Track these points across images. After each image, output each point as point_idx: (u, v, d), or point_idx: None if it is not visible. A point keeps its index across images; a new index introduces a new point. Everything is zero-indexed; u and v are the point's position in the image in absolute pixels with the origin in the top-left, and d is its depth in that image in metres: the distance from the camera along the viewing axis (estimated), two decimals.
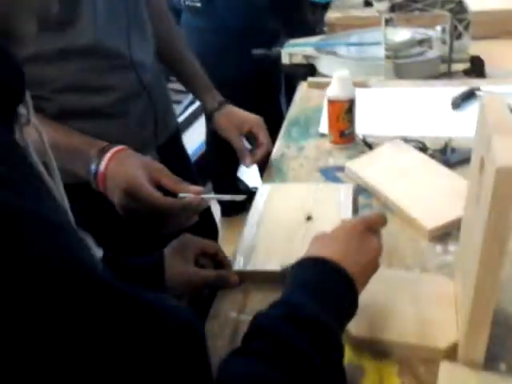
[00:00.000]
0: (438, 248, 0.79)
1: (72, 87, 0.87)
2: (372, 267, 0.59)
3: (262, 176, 1.06)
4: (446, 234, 0.81)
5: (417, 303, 0.67)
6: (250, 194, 0.96)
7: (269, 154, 1.09)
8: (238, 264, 0.78)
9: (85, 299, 0.31)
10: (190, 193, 0.73)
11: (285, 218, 0.87)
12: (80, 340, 0.31)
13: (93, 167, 0.74)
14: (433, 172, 0.94)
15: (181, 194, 0.73)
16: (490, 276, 0.51)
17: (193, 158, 2.67)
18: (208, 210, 1.25)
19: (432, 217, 0.82)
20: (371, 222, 0.62)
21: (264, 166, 1.10)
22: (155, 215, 0.71)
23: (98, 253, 0.58)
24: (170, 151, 1.10)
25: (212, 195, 0.75)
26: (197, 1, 2.07)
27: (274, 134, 1.23)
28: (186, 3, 2.09)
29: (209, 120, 1.13)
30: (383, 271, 0.73)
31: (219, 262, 0.78)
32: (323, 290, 0.53)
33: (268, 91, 2.28)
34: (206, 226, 1.15)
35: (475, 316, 0.55)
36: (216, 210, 2.41)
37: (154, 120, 1.03)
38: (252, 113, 1.10)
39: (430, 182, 0.91)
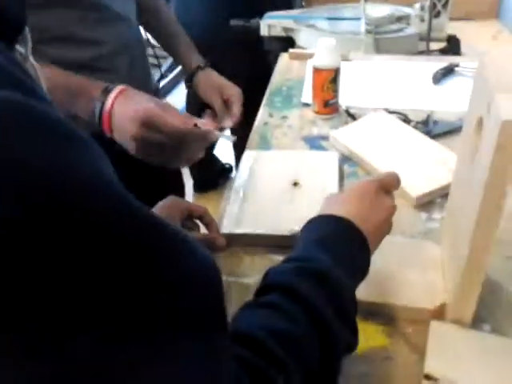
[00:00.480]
0: (423, 215, 0.80)
1: (59, 38, 0.86)
2: (385, 226, 0.59)
3: (236, 154, 1.05)
4: (431, 202, 0.82)
5: (404, 267, 0.68)
6: (223, 170, 0.95)
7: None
8: (226, 228, 0.77)
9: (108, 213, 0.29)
10: (208, 127, 0.74)
11: (271, 184, 0.86)
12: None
13: (97, 108, 0.71)
14: (416, 142, 0.95)
15: (198, 123, 0.73)
16: (486, 234, 0.51)
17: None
18: (178, 175, 1.25)
19: (417, 185, 0.83)
20: (384, 182, 0.61)
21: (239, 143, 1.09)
22: (169, 147, 0.69)
23: None
24: None
25: (219, 133, 0.77)
26: None
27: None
28: None
29: (189, 84, 1.11)
30: None
31: (206, 224, 0.77)
32: (336, 245, 0.52)
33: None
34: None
35: (467, 277, 0.56)
36: (188, 187, 2.39)
37: (135, 79, 1.01)
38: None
39: (414, 152, 0.92)
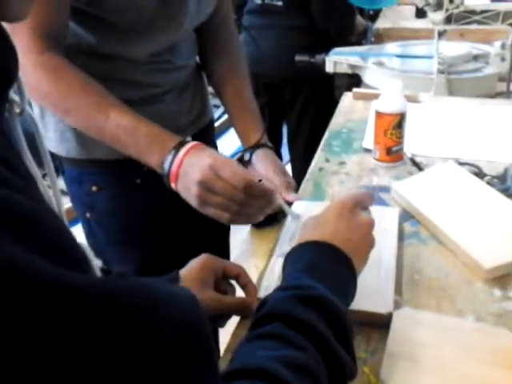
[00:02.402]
0: (497, 292, 0.68)
1: (115, 80, 0.87)
2: (366, 242, 0.59)
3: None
4: (507, 276, 0.70)
5: (470, 360, 0.56)
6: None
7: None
8: (265, 291, 0.69)
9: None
10: (272, 187, 0.77)
11: None
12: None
13: (168, 161, 0.73)
14: (491, 201, 0.83)
15: (263, 181, 0.75)
16: None
17: None
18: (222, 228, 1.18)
19: (490, 254, 0.71)
20: (359, 199, 0.62)
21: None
22: (231, 199, 0.70)
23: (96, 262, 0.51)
24: (202, 141, 1.06)
25: (280, 200, 0.80)
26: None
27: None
28: (266, 1, 2.02)
29: (244, 160, 1.03)
30: (431, 316, 0.64)
31: (243, 286, 0.69)
32: (323, 272, 0.53)
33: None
34: (216, 243, 1.11)
35: None
36: None
37: (189, 109, 1.03)
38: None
39: (487, 213, 0.80)
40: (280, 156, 2.34)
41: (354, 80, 1.64)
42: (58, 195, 0.45)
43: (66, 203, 1.39)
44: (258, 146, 0.95)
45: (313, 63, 1.74)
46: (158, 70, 0.92)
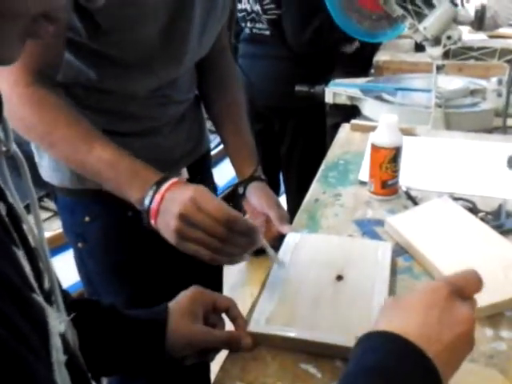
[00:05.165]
0: (488, 332, 0.68)
1: (113, 113, 0.88)
2: (462, 345, 0.46)
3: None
4: (498, 315, 0.70)
5: None
6: (279, 234, 0.89)
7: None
8: (254, 326, 0.68)
9: None
10: (255, 224, 0.71)
11: (312, 275, 0.77)
12: None
13: (148, 197, 0.70)
14: (484, 238, 0.83)
15: (246, 216, 0.69)
16: None
17: (223, 193, 2.62)
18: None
19: (482, 292, 0.71)
20: (460, 284, 0.48)
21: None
22: (212, 235, 0.65)
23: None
24: (198, 172, 1.08)
25: (264, 240, 0.76)
26: (264, 28, 2.03)
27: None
28: (253, 31, 2.06)
29: (238, 194, 1.03)
30: None
31: (232, 319, 0.68)
32: (396, 377, 0.42)
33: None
34: (209, 275, 1.09)
35: None
36: None
37: (186, 140, 1.02)
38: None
39: (480, 250, 0.80)
40: (278, 184, 2.35)
41: (350, 111, 1.65)
42: (42, 234, 0.45)
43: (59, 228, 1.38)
44: (251, 179, 0.96)
45: (313, 93, 1.76)
46: (156, 103, 0.93)
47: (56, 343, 0.38)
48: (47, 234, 1.95)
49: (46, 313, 0.38)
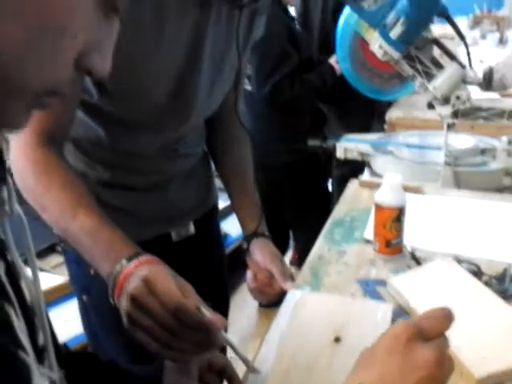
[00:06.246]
0: None
1: (120, 167, 0.91)
2: None
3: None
4: None
5: None
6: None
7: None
8: None
9: None
10: (213, 318, 0.62)
11: (310, 336, 0.77)
12: None
13: (116, 270, 0.67)
14: (487, 304, 0.82)
15: (202, 309, 0.62)
16: None
17: (235, 244, 2.63)
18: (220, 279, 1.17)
19: (482, 361, 0.70)
20: (424, 325, 0.47)
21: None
22: (162, 324, 0.61)
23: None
24: (204, 227, 1.09)
25: (229, 340, 0.67)
26: (247, 83, 2.10)
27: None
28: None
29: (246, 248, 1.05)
30: None
31: (228, 379, 0.68)
32: None
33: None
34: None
35: None
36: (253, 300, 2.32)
37: (194, 194, 1.04)
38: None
39: (482, 316, 0.79)
40: (287, 237, 2.36)
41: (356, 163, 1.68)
42: (39, 290, 0.46)
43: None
44: (255, 235, 0.97)
45: (324, 148, 1.79)
46: (164, 158, 0.95)
47: None
48: (60, 280, 1.97)
49: (31, 371, 0.39)
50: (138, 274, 0.63)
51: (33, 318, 0.47)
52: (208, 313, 0.62)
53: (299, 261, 2.22)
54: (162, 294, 0.60)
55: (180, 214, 1.01)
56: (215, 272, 1.16)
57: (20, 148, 0.75)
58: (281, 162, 2.11)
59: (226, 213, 2.32)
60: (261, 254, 0.94)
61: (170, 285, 0.62)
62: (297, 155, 1.97)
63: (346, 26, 1.51)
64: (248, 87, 2.08)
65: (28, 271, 0.48)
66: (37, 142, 0.75)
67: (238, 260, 1.10)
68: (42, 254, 2.06)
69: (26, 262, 0.48)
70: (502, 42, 3.45)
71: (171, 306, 0.60)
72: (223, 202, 1.40)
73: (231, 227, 2.53)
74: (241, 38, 0.88)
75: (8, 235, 0.44)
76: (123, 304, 0.63)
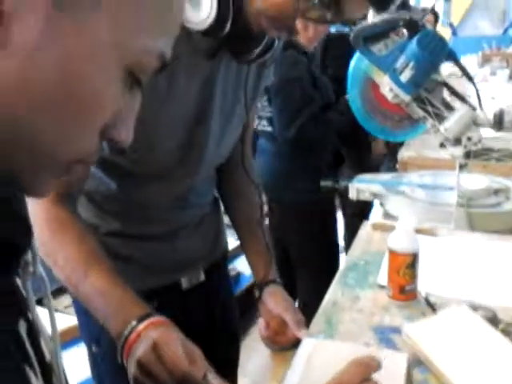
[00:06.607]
0: None
1: (126, 216, 0.92)
2: None
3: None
4: None
5: None
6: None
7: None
8: None
9: None
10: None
11: None
12: None
13: (126, 331, 0.68)
14: (503, 354, 0.81)
15: (209, 377, 0.63)
16: None
17: (249, 282, 2.62)
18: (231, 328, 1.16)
19: None
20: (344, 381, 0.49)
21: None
22: None
23: None
24: (215, 273, 1.10)
25: None
26: (267, 125, 2.14)
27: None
28: (259, 128, 2.16)
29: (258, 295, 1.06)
30: None
31: None
32: None
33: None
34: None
35: None
36: None
37: (203, 242, 1.05)
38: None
39: (498, 366, 0.78)
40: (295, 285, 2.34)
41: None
42: (57, 349, 0.47)
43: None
44: (266, 282, 0.98)
45: (337, 189, 1.80)
46: (174, 207, 0.97)
47: None
48: (74, 321, 1.97)
49: None
50: (147, 336, 0.64)
51: (51, 375, 0.48)
52: (215, 381, 0.63)
53: (300, 301, 2.20)
54: (169, 361, 0.62)
55: (190, 262, 1.02)
56: (225, 317, 1.16)
57: (37, 204, 0.77)
58: (299, 201, 2.12)
59: (240, 251, 2.33)
60: (273, 301, 0.95)
61: (178, 351, 0.63)
62: (313, 195, 1.98)
63: (357, 69, 1.54)
64: (268, 128, 2.11)
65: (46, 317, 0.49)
66: (53, 199, 0.77)
67: (252, 299, 1.11)
68: (55, 293, 2.07)
69: (39, 302, 0.49)
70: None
71: (178, 375, 0.61)
72: (236, 241, 1.43)
73: (245, 266, 2.53)
74: (249, 91, 0.90)
75: (30, 294, 0.45)
76: (131, 368, 0.64)
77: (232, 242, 1.41)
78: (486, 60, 3.85)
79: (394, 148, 2.28)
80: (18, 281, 0.42)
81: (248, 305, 1.30)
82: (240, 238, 1.07)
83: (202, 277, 1.05)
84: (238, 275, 2.76)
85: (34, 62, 0.32)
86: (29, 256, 0.44)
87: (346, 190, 1.74)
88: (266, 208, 2.27)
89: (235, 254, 2.32)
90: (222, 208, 1.15)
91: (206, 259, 1.07)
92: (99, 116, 0.38)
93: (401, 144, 2.29)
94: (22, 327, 0.44)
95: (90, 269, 0.75)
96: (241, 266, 2.71)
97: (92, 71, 0.35)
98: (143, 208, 0.93)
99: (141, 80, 0.40)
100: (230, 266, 2.69)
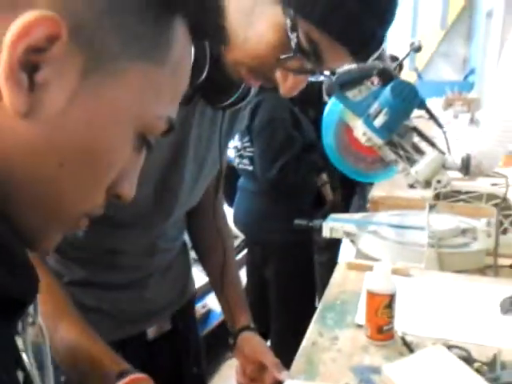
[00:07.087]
0: None
1: (92, 263, 0.90)
2: None
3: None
4: None
5: None
6: None
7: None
8: None
9: None
10: None
11: None
12: None
13: None
14: None
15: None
16: None
17: (218, 319, 2.60)
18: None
19: None
20: None
21: None
22: None
23: None
24: (181, 320, 1.09)
25: None
26: (248, 164, 2.18)
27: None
28: (240, 166, 2.19)
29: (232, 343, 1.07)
30: None
31: None
32: None
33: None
34: None
35: None
36: None
37: (171, 289, 1.04)
38: None
39: None
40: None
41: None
42: None
43: None
44: (241, 329, 0.99)
45: (311, 227, 1.84)
46: (142, 254, 0.94)
47: None
48: None
49: None
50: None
51: None
52: None
53: (272, 341, 2.20)
54: None
55: (157, 310, 1.00)
56: (192, 362, 1.14)
57: None
58: (279, 241, 2.14)
59: (210, 288, 2.33)
60: (250, 347, 0.95)
61: None
62: (293, 235, 2.01)
63: (332, 112, 1.60)
64: (249, 168, 2.14)
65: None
66: None
67: (223, 336, 1.11)
68: None
69: None
70: (472, 121, 3.64)
71: None
72: (206, 277, 1.42)
73: (216, 303, 2.52)
74: (223, 136, 0.90)
75: (28, 346, 0.46)
76: None
77: (202, 277, 1.40)
78: (449, 104, 4.03)
79: (347, 195, 2.38)
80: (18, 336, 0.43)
81: (218, 342, 1.29)
82: (212, 285, 1.08)
83: (169, 326, 1.04)
84: (209, 312, 2.74)
85: (61, 126, 0.35)
86: (31, 309, 0.45)
87: (320, 228, 1.78)
88: (245, 248, 2.29)
89: (206, 290, 2.31)
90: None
91: (173, 306, 1.06)
92: (112, 173, 0.40)
93: (371, 184, 2.36)
94: (20, 375, 0.44)
95: (60, 322, 0.73)
96: (211, 303, 2.69)
97: (111, 136, 0.37)
98: (110, 255, 0.91)
99: (151, 143, 0.43)
100: (201, 303, 2.67)
